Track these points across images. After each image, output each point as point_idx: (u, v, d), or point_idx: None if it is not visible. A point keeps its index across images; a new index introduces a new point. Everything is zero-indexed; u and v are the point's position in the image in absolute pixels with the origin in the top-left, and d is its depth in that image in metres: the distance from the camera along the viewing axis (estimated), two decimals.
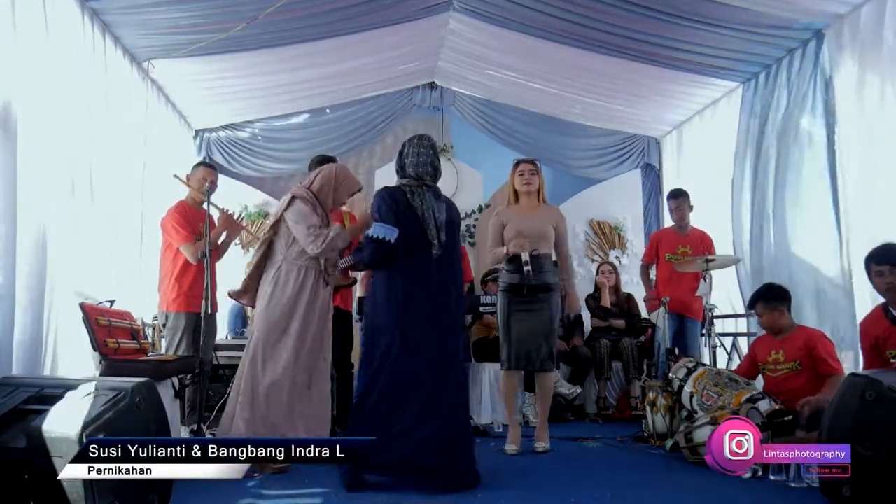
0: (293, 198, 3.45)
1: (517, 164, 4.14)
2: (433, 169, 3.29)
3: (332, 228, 3.42)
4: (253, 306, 3.57)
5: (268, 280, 3.44)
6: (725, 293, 5.39)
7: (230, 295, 3.61)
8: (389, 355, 3.05)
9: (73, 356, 3.70)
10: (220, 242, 4.24)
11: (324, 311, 3.49)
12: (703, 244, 5.18)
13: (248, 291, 3.53)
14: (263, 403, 3.30)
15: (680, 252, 5.14)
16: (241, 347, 4.85)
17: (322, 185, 3.54)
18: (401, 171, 3.32)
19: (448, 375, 3.08)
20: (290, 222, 3.42)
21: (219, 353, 4.97)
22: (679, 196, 5.30)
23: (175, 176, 4.24)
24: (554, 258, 4.03)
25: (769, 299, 3.93)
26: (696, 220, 5.40)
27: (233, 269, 4.50)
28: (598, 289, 5.89)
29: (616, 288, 5.88)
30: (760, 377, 3.96)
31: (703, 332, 4.66)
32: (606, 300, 5.80)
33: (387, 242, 3.07)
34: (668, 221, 6.17)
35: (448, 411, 3.03)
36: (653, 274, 5.41)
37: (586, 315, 6.01)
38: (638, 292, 5.97)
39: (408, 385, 3.02)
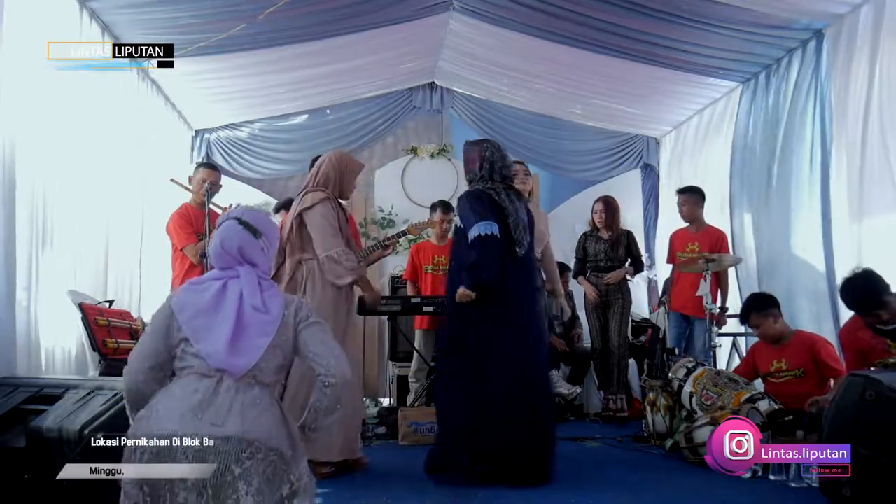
0: (315, 202, 3.35)
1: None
2: (511, 172, 3.37)
3: (347, 257, 3.32)
4: None
5: (300, 283, 3.37)
6: (731, 292, 5.36)
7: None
8: (470, 352, 3.07)
9: (71, 356, 3.70)
10: None
11: (352, 304, 3.58)
12: (713, 242, 4.98)
13: None
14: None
15: (689, 250, 4.98)
16: None
17: (328, 174, 3.44)
18: (485, 176, 3.25)
19: (532, 378, 3.08)
20: (311, 226, 3.34)
21: None
22: (685, 192, 5.13)
23: (172, 180, 4.21)
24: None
25: (761, 308, 3.89)
26: None
27: None
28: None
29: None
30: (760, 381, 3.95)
31: (708, 329, 4.58)
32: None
33: (494, 237, 3.02)
34: (664, 221, 6.17)
35: (532, 413, 3.03)
36: None
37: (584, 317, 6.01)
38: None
39: (491, 384, 3.03)
